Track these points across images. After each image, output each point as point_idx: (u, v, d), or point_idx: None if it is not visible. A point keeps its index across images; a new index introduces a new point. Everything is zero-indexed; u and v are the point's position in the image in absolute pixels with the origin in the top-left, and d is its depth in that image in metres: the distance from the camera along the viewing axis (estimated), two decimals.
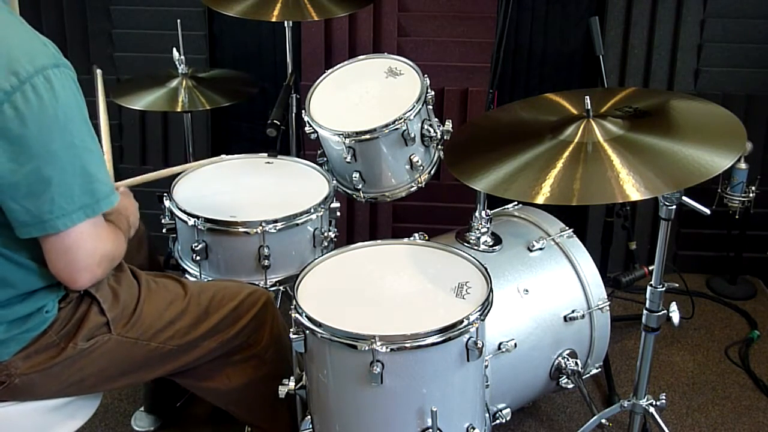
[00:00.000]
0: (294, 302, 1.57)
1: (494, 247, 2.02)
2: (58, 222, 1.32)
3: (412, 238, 1.86)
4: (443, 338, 1.47)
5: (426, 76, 2.04)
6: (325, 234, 2.01)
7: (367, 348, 1.44)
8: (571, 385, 2.00)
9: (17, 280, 1.41)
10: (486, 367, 1.65)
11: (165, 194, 2.02)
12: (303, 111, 2.07)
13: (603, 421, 1.93)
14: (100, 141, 1.45)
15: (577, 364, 1.97)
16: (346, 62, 2.21)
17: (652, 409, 1.80)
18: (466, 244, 2.03)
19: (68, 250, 1.36)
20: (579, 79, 2.91)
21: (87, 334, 1.51)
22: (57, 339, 1.49)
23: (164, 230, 2.03)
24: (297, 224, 1.94)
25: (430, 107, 2.05)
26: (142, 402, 2.20)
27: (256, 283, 1.91)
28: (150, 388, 2.18)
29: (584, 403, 2.18)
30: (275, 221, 1.90)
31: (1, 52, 1.27)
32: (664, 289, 1.70)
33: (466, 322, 1.49)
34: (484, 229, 2.04)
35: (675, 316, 1.73)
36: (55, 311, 1.47)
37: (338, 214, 2.09)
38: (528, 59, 2.89)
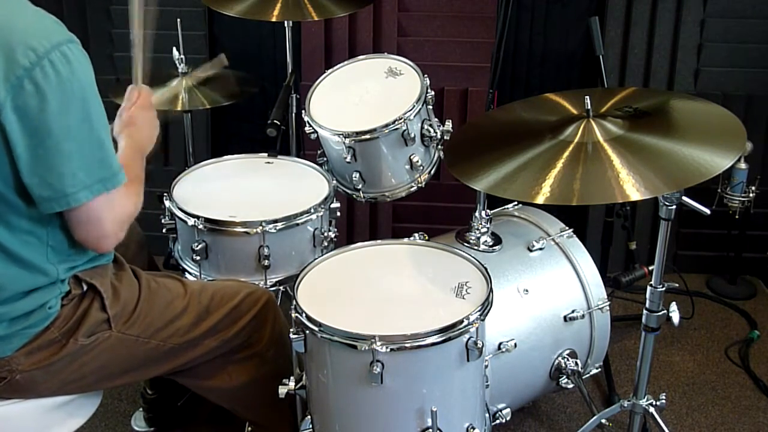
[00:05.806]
0: (294, 302, 1.57)
1: (494, 247, 2.02)
2: (80, 195, 1.35)
3: (412, 238, 1.86)
4: (443, 338, 1.47)
5: (426, 76, 2.03)
6: (325, 234, 2.01)
7: (367, 348, 1.44)
8: (571, 385, 2.00)
9: (19, 278, 1.42)
10: (486, 367, 1.65)
11: (165, 194, 2.02)
12: (303, 111, 2.06)
13: (603, 421, 1.93)
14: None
15: (577, 364, 1.97)
16: (346, 62, 2.21)
17: (652, 409, 1.80)
18: (466, 244, 2.03)
19: (94, 221, 1.39)
20: (579, 79, 2.90)
21: (88, 330, 1.51)
22: (59, 336, 1.49)
23: (164, 230, 2.03)
24: (297, 224, 1.94)
25: (430, 107, 2.05)
26: (142, 402, 2.20)
27: (256, 283, 1.91)
28: (149, 388, 2.18)
29: (584, 403, 2.17)
30: (275, 221, 1.90)
31: (17, 29, 1.30)
32: (664, 289, 1.70)
33: (466, 322, 1.49)
34: (484, 229, 2.04)
35: (675, 316, 1.73)
36: (58, 307, 1.48)
37: (338, 214, 2.08)
38: (528, 59, 2.89)
